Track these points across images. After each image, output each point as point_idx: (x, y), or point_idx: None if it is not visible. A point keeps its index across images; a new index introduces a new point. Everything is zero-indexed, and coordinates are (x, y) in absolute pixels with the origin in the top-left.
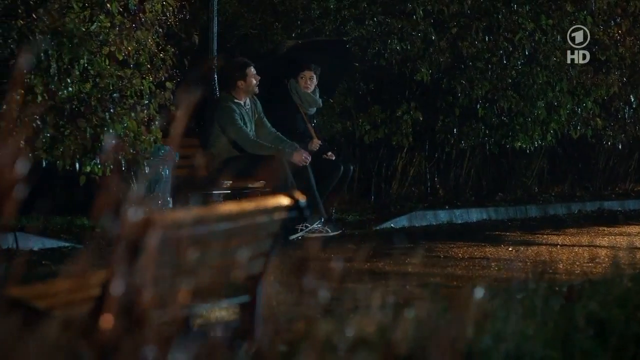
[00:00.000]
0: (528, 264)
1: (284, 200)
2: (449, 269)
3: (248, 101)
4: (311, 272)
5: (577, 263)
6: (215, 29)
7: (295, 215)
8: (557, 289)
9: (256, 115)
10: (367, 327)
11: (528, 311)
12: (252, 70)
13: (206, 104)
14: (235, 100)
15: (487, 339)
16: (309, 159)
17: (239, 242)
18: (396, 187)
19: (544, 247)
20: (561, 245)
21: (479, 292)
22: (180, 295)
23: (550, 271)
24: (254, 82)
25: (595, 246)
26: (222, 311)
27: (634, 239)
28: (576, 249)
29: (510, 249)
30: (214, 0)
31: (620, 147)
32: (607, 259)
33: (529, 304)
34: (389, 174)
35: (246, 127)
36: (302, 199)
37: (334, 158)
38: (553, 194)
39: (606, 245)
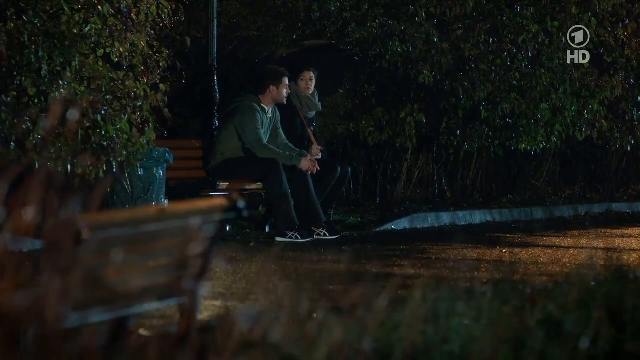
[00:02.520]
0: (517, 265)
1: (221, 202)
2: (434, 270)
3: (270, 110)
4: (278, 274)
5: (568, 265)
6: (215, 31)
7: (238, 216)
8: (521, 290)
9: (273, 125)
10: (298, 329)
11: (476, 312)
12: (287, 81)
13: (207, 106)
14: (261, 105)
15: (430, 339)
16: (317, 168)
17: (174, 243)
18: (401, 189)
19: (538, 249)
20: (557, 247)
21: (431, 294)
22: (114, 296)
23: (530, 272)
24: (285, 93)
25: (592, 248)
26: (159, 312)
27: (633, 241)
28: (571, 250)
29: (504, 250)
30: (214, 2)
31: (629, 149)
32: (595, 261)
33: (478, 305)
34: (394, 176)
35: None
36: (240, 200)
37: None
38: (564, 196)
39: (602, 247)
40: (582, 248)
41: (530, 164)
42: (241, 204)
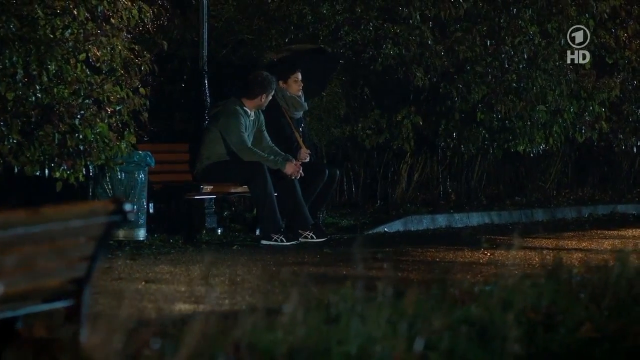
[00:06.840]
0: (493, 267)
1: (106, 204)
2: (399, 273)
3: (253, 112)
4: (236, 277)
5: (542, 266)
6: (205, 35)
7: (123, 219)
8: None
9: (256, 128)
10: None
11: (377, 314)
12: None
13: (198, 109)
14: (244, 107)
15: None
16: (301, 173)
17: (55, 245)
18: (400, 192)
19: (522, 251)
20: (541, 249)
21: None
22: None
23: (488, 273)
24: (269, 100)
25: (577, 249)
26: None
27: (624, 242)
28: (558, 252)
29: (487, 253)
30: (204, 5)
31: (635, 150)
32: (574, 262)
33: (381, 306)
34: (395, 179)
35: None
36: (127, 203)
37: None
38: (572, 197)
39: (590, 248)
40: (567, 249)
41: (538, 166)
42: (128, 206)
